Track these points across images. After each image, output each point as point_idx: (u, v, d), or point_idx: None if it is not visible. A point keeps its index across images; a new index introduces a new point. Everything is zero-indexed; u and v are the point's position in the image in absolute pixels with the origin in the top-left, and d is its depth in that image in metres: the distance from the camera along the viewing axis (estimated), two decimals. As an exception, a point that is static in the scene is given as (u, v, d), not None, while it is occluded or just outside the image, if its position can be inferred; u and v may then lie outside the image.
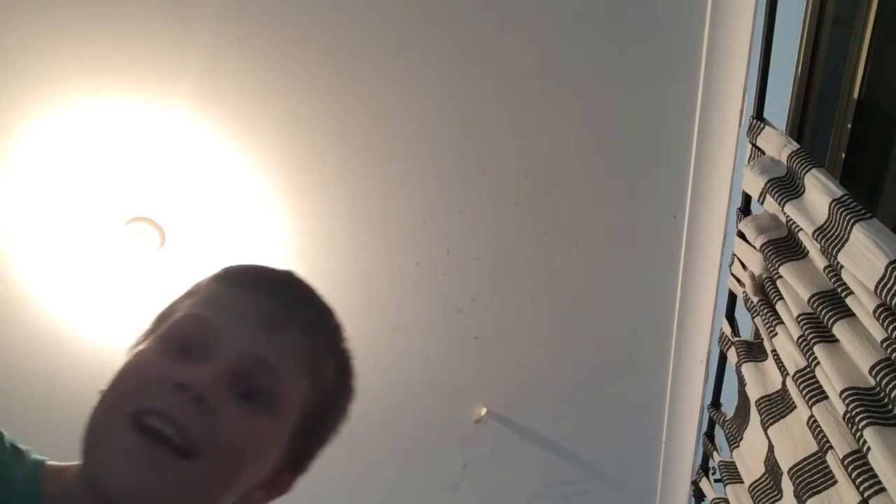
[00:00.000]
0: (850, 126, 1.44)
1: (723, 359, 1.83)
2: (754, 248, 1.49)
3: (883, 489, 1.07)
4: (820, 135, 1.49)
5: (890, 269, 1.04)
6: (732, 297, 1.74)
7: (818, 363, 1.22)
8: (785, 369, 1.37)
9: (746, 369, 1.57)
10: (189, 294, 0.73)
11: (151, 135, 1.70)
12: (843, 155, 1.47)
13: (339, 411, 0.77)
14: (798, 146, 1.35)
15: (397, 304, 1.97)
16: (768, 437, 1.44)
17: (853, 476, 1.12)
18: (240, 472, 0.62)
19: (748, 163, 1.53)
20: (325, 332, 0.74)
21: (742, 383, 1.65)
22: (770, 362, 1.49)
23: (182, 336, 0.64)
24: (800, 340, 1.29)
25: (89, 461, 0.58)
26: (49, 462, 0.65)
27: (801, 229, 1.30)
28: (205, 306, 0.67)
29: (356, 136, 1.73)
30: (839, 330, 1.18)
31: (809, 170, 1.29)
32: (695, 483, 2.05)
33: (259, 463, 0.64)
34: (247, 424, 0.62)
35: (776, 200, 1.37)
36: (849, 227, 1.15)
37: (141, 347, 0.65)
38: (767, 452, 1.50)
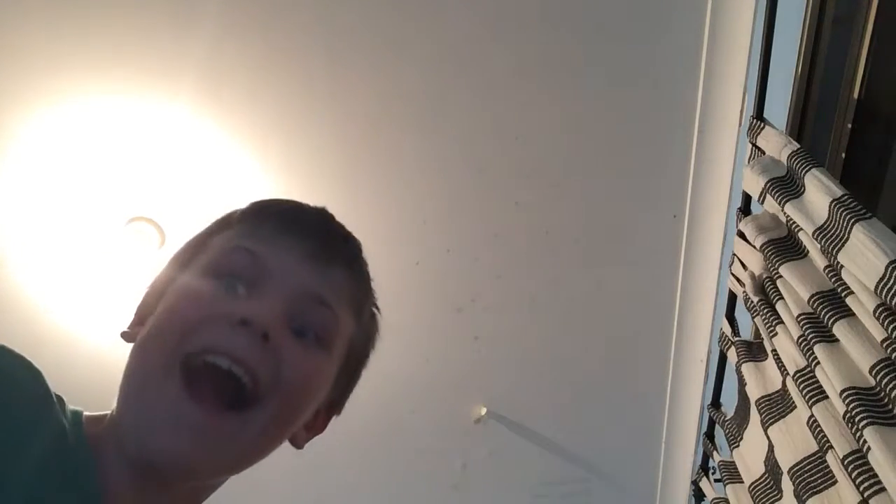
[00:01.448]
0: (850, 126, 1.44)
1: (723, 359, 1.83)
2: (754, 247, 1.49)
3: (883, 489, 1.07)
4: (820, 135, 1.49)
5: (890, 268, 1.04)
6: (732, 297, 1.74)
7: (818, 363, 1.22)
8: (785, 369, 1.37)
9: (746, 369, 1.57)
10: (223, 225, 0.68)
11: (152, 135, 1.70)
12: (843, 155, 1.47)
13: (371, 351, 0.75)
14: (798, 146, 1.35)
15: (397, 304, 1.97)
16: (768, 437, 1.44)
17: (853, 476, 1.12)
18: (300, 413, 0.61)
19: (748, 163, 1.53)
20: (365, 271, 0.72)
21: (742, 383, 1.65)
22: (770, 362, 1.49)
23: (232, 269, 0.60)
24: (800, 340, 1.29)
25: (130, 418, 0.54)
26: (85, 412, 0.61)
27: (802, 229, 1.30)
28: (250, 239, 0.62)
29: (356, 136, 1.72)
30: (839, 330, 1.18)
31: (809, 169, 1.29)
32: (695, 483, 2.05)
33: (314, 403, 0.63)
34: (307, 363, 0.59)
35: (776, 200, 1.37)
36: (849, 226, 1.15)
37: (184, 280, 0.61)
38: (767, 452, 1.50)
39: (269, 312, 0.57)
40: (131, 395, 0.55)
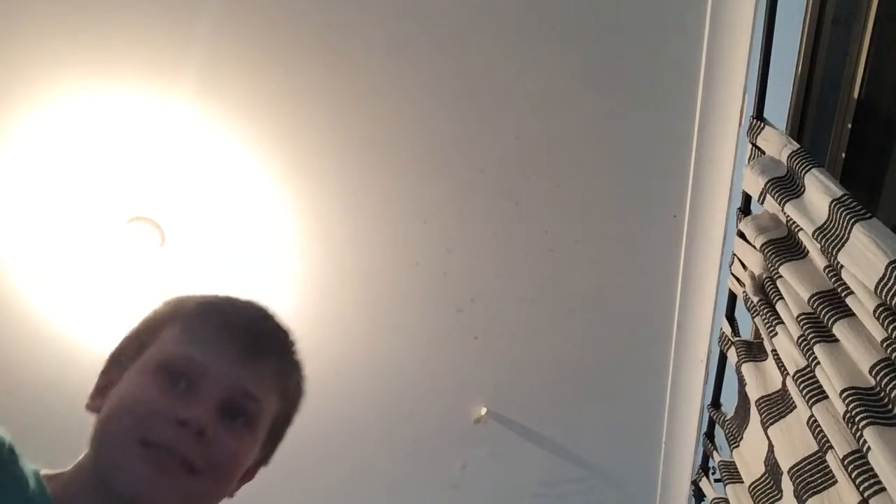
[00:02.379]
0: (850, 126, 1.44)
1: (723, 359, 1.83)
2: (754, 247, 1.49)
3: (883, 489, 1.07)
4: (820, 135, 1.49)
5: (890, 268, 1.04)
6: (732, 297, 1.74)
7: (818, 363, 1.22)
8: (785, 369, 1.37)
9: (746, 369, 1.57)
10: (171, 319, 0.81)
11: (152, 134, 1.70)
12: (843, 155, 1.47)
13: (295, 414, 0.90)
14: (798, 146, 1.35)
15: (397, 304, 1.97)
16: (768, 437, 1.44)
17: (853, 476, 1.12)
18: (232, 480, 0.76)
19: (748, 163, 1.53)
20: (291, 355, 0.86)
21: (742, 383, 1.65)
22: (770, 362, 1.49)
23: (175, 373, 0.74)
24: (800, 340, 1.29)
25: (106, 467, 0.69)
26: (42, 470, 0.73)
27: (802, 229, 1.30)
28: (191, 343, 0.77)
29: (356, 136, 1.73)
30: (839, 330, 1.18)
31: (809, 169, 1.29)
32: (695, 483, 2.05)
33: (243, 469, 0.78)
34: (236, 445, 0.75)
35: (776, 200, 1.37)
36: (849, 226, 1.15)
37: (136, 378, 0.75)
38: (767, 452, 1.50)
39: (204, 412, 0.72)
40: (104, 458, 0.70)
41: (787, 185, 1.37)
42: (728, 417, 1.75)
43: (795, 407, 1.38)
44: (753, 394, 1.52)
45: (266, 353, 0.80)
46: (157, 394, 0.72)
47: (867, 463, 1.10)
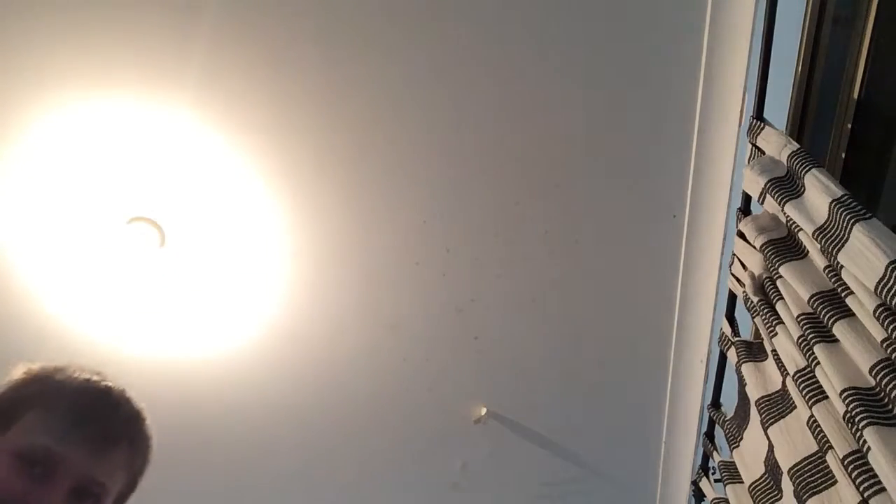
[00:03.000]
0: (850, 126, 1.44)
1: (723, 359, 1.83)
2: (754, 248, 1.49)
3: (883, 489, 1.07)
4: (820, 135, 1.49)
5: (890, 269, 1.04)
6: (732, 297, 1.74)
7: (818, 363, 1.22)
8: (785, 369, 1.37)
9: (746, 369, 1.57)
10: (34, 403, 0.90)
11: (152, 135, 1.70)
12: (843, 155, 1.47)
13: (141, 477, 1.01)
14: (798, 146, 1.35)
15: (397, 304, 1.97)
16: (768, 437, 1.44)
17: (853, 476, 1.12)
18: None
19: (748, 163, 1.53)
20: (139, 440, 0.97)
21: (742, 383, 1.65)
22: (770, 362, 1.49)
23: (33, 461, 0.84)
24: (800, 340, 1.29)
25: None
26: None
27: (801, 229, 1.30)
28: (49, 434, 0.86)
29: (356, 136, 1.73)
30: (839, 330, 1.18)
31: (809, 170, 1.29)
32: (695, 483, 2.05)
33: None
34: None
35: (776, 200, 1.37)
36: (849, 227, 1.15)
37: (3, 457, 0.84)
38: (767, 452, 1.50)
39: (56, 499, 0.83)
40: None
41: (787, 186, 1.37)
42: (728, 417, 1.75)
43: (795, 407, 1.38)
44: (753, 394, 1.52)
45: (116, 443, 0.91)
46: (14, 477, 0.82)
47: (867, 463, 1.10)
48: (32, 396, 0.92)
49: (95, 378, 0.97)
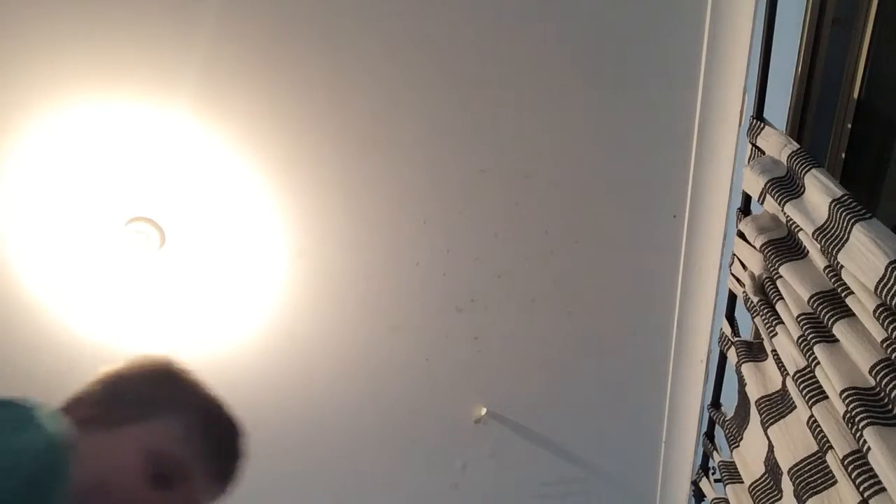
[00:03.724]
0: (850, 126, 1.44)
1: (723, 359, 1.83)
2: (754, 248, 1.49)
3: (883, 489, 1.07)
4: (820, 135, 1.49)
5: (890, 269, 1.04)
6: (732, 297, 1.74)
7: (818, 363, 1.22)
8: (785, 369, 1.37)
9: (746, 369, 1.57)
10: (170, 409, 0.86)
11: (151, 135, 1.70)
12: (843, 155, 1.47)
13: None
14: (798, 146, 1.35)
15: (397, 304, 1.97)
16: (768, 437, 1.44)
17: (853, 476, 1.12)
18: None
19: (748, 163, 1.53)
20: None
21: (742, 383, 1.65)
22: (770, 362, 1.49)
23: (160, 467, 0.80)
24: (800, 340, 1.29)
25: None
26: None
27: (801, 229, 1.30)
28: (186, 447, 0.83)
29: (356, 136, 1.73)
30: (839, 330, 1.18)
31: (809, 170, 1.29)
32: (695, 483, 2.05)
33: None
34: None
35: (776, 200, 1.37)
36: (849, 227, 1.15)
37: (117, 451, 0.79)
38: (767, 452, 1.50)
39: None
40: None
41: (787, 186, 1.37)
42: (728, 417, 1.75)
43: (795, 407, 1.38)
44: (753, 394, 1.52)
45: (235, 475, 0.91)
46: (137, 481, 0.77)
47: (867, 463, 1.10)
48: (171, 399, 0.88)
49: (220, 400, 0.96)
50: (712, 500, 1.84)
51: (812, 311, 1.27)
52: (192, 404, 0.89)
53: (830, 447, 1.19)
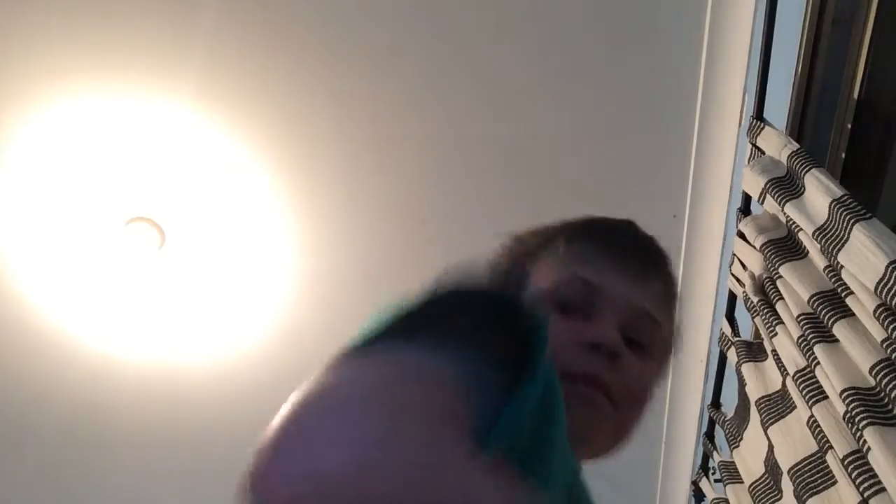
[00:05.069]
0: (850, 126, 1.44)
1: (723, 359, 1.83)
2: (754, 248, 1.49)
3: (883, 489, 1.07)
4: (820, 135, 1.48)
5: (890, 269, 1.04)
6: (732, 297, 1.74)
7: (818, 363, 1.22)
8: (785, 369, 1.37)
9: (746, 369, 1.57)
10: (548, 244, 0.76)
11: (151, 135, 1.70)
12: (843, 155, 1.47)
13: (676, 335, 0.80)
14: (798, 146, 1.35)
15: (397, 304, 1.97)
16: (768, 437, 1.44)
17: (853, 476, 1.12)
18: (643, 415, 0.69)
19: (748, 163, 1.53)
20: (673, 278, 0.80)
21: (742, 383, 1.65)
22: (770, 362, 1.49)
23: (573, 298, 0.68)
24: (800, 340, 1.29)
25: None
26: None
27: (801, 229, 1.30)
28: (582, 267, 0.70)
29: (356, 136, 1.72)
30: (839, 330, 1.18)
31: (809, 170, 1.29)
32: (695, 483, 2.05)
33: (649, 405, 0.71)
34: (644, 372, 0.68)
35: (776, 200, 1.37)
36: (849, 227, 1.15)
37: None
38: (767, 452, 1.50)
39: (612, 334, 0.66)
40: None
41: (787, 186, 1.37)
42: (728, 417, 1.74)
43: (795, 407, 1.38)
44: (753, 394, 1.52)
45: (657, 273, 0.76)
46: (557, 327, 0.62)
47: (867, 463, 1.10)
48: (540, 242, 0.77)
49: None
50: (712, 500, 1.84)
51: (812, 311, 1.27)
52: (566, 231, 0.76)
53: (830, 447, 1.19)
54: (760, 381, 1.51)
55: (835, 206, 1.20)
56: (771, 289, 1.43)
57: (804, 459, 1.31)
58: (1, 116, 1.66)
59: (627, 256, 0.73)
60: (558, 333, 0.61)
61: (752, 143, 1.52)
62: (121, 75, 1.63)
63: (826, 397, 1.22)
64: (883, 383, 1.07)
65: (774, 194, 1.37)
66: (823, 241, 1.21)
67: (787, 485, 1.39)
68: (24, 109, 1.66)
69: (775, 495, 1.47)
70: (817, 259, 1.28)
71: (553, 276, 0.71)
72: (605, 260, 0.71)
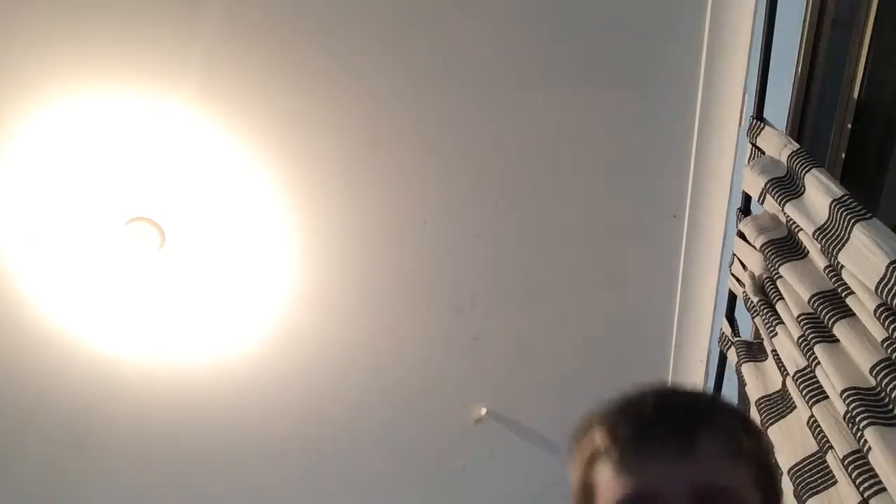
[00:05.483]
0: (850, 126, 1.44)
1: (723, 359, 1.83)
2: (754, 248, 1.49)
3: (883, 489, 1.07)
4: (820, 135, 1.49)
5: (890, 268, 1.04)
6: (732, 297, 1.74)
7: (818, 363, 1.22)
8: (785, 369, 1.37)
9: (746, 369, 1.57)
10: (596, 456, 0.68)
11: (151, 134, 1.70)
12: (843, 155, 1.47)
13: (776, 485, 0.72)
14: (798, 146, 1.35)
15: (397, 304, 1.97)
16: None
17: (853, 476, 1.12)
18: None
19: (748, 163, 1.53)
20: (742, 442, 0.67)
21: (742, 383, 1.65)
22: (770, 362, 1.49)
23: None
24: (800, 340, 1.29)
25: None
26: None
27: (802, 229, 1.30)
28: (631, 476, 0.63)
29: (356, 137, 1.72)
30: (839, 330, 1.18)
31: (809, 170, 1.29)
32: (695, 483, 2.04)
33: None
34: None
35: (776, 200, 1.37)
36: (849, 227, 1.15)
37: None
38: (767, 452, 1.50)
39: None
40: None
41: (787, 186, 1.37)
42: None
43: (795, 407, 1.38)
44: (753, 394, 1.52)
45: (709, 447, 0.63)
46: None
47: (867, 463, 1.10)
48: (592, 442, 0.69)
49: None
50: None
51: (812, 311, 1.27)
52: (612, 435, 0.67)
53: (830, 447, 1.19)
54: (760, 381, 1.51)
55: (835, 206, 1.20)
56: (771, 289, 1.43)
57: (804, 459, 1.31)
58: (1, 117, 1.66)
59: (667, 439, 0.63)
60: None
61: (752, 143, 1.52)
62: (121, 75, 1.63)
63: (826, 397, 1.22)
64: (883, 383, 1.07)
65: (774, 194, 1.37)
66: (824, 240, 1.21)
67: (787, 485, 1.39)
68: (24, 110, 1.66)
69: (775, 495, 1.47)
70: (817, 259, 1.28)
71: (609, 496, 0.64)
72: (652, 458, 0.63)
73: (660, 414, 0.66)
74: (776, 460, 0.69)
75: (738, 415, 0.71)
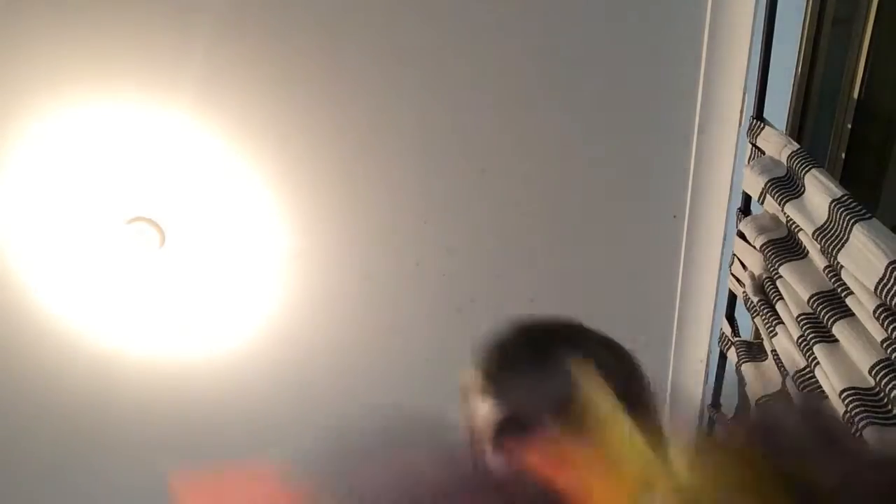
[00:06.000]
0: (850, 126, 1.44)
1: (723, 359, 1.83)
2: (754, 248, 1.49)
3: (883, 489, 1.07)
4: (820, 135, 1.49)
5: (890, 269, 1.04)
6: (732, 297, 1.74)
7: (818, 363, 1.22)
8: (785, 369, 1.37)
9: (746, 369, 1.57)
10: (465, 398, 0.72)
11: (151, 135, 1.70)
12: (843, 155, 1.47)
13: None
14: (798, 146, 1.35)
15: (397, 304, 1.97)
16: (768, 438, 1.44)
17: (853, 476, 1.12)
18: None
19: (748, 163, 1.53)
20: (591, 350, 0.72)
21: (742, 383, 1.65)
22: (770, 362, 1.49)
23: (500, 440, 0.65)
24: (800, 340, 1.29)
25: None
26: None
27: (801, 229, 1.30)
28: (493, 403, 0.68)
29: (356, 136, 1.72)
30: (839, 330, 1.18)
31: (809, 170, 1.29)
32: (695, 483, 2.04)
33: None
34: None
35: (776, 200, 1.37)
36: (849, 227, 1.15)
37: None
38: (767, 452, 1.50)
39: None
40: None
41: (787, 186, 1.37)
42: (728, 418, 1.74)
43: (795, 407, 1.38)
44: (753, 394, 1.52)
45: (563, 356, 0.67)
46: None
47: (867, 463, 1.10)
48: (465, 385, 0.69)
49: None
50: (712, 500, 1.84)
51: (812, 311, 1.27)
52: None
53: (830, 447, 1.19)
54: (760, 381, 1.51)
55: (835, 206, 1.20)
56: (771, 289, 1.43)
57: (804, 459, 1.31)
58: (3, 119, 1.66)
59: (525, 359, 0.66)
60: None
61: (752, 143, 1.52)
62: (121, 76, 1.63)
63: (826, 397, 1.22)
64: (882, 383, 1.07)
65: (774, 194, 1.37)
66: (823, 241, 1.21)
67: (786, 485, 1.39)
68: (25, 110, 1.66)
69: (775, 495, 1.47)
70: (817, 259, 1.28)
71: (480, 426, 0.66)
72: (507, 381, 0.66)
73: (519, 342, 0.70)
74: (648, 378, 0.75)
75: (599, 336, 0.75)
